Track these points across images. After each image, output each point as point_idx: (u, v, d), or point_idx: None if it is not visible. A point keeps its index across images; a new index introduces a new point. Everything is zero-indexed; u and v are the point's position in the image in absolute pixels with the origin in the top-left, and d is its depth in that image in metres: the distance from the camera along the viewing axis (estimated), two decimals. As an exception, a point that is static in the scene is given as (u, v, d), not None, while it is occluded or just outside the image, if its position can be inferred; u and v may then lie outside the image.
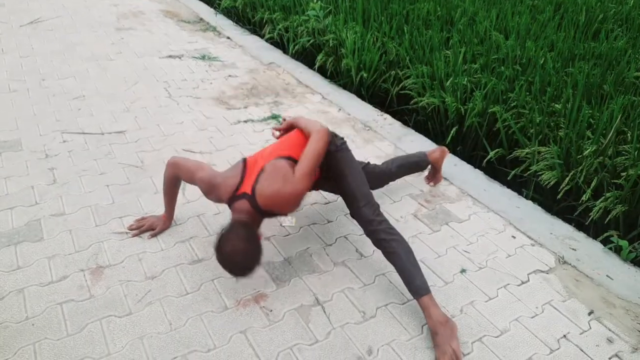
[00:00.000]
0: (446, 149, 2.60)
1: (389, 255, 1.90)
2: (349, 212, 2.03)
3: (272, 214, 1.85)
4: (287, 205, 1.81)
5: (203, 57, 4.30)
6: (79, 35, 4.65)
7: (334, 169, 2.05)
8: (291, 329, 1.80)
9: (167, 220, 2.24)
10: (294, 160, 1.87)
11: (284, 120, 2.13)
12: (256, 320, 1.83)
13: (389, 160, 2.47)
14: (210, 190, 1.90)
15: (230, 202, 1.84)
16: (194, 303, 1.88)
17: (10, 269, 1.98)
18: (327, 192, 2.57)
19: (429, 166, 2.60)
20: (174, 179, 2.10)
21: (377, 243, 1.94)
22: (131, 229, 2.21)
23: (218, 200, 1.90)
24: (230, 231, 1.70)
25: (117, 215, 2.31)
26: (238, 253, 1.66)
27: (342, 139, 2.12)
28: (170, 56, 4.29)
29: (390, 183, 2.50)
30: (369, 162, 2.34)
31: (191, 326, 1.78)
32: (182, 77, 3.89)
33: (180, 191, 2.21)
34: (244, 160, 1.91)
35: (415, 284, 1.82)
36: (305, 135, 1.97)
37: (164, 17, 5.41)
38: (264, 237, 2.24)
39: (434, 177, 2.64)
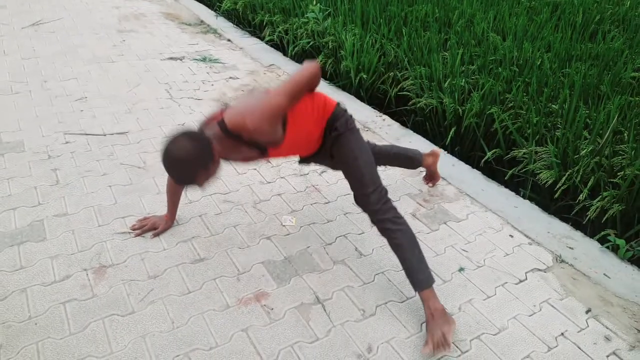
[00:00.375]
0: (438, 152, 2.60)
1: (393, 245, 1.87)
2: (350, 209, 2.03)
3: (242, 139, 1.67)
4: (254, 122, 1.59)
5: (204, 59, 4.33)
6: (81, 38, 4.68)
7: (343, 150, 1.91)
8: (292, 327, 1.82)
9: (170, 220, 2.26)
10: None
11: None
12: (257, 318, 1.85)
13: (388, 145, 2.44)
14: None
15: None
16: (196, 302, 1.90)
17: (14, 269, 2.00)
18: (327, 192, 2.60)
19: (424, 168, 2.62)
20: None
21: (383, 232, 1.88)
22: (134, 229, 2.23)
23: None
24: (186, 133, 1.59)
25: (120, 215, 2.33)
26: (182, 156, 1.55)
27: (351, 115, 1.97)
28: (171, 58, 4.32)
29: (389, 182, 2.52)
30: (368, 141, 2.25)
31: (193, 324, 1.81)
32: (184, 78, 3.92)
33: (182, 192, 2.23)
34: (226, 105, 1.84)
35: (418, 277, 1.82)
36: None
37: (165, 19, 5.44)
38: (265, 236, 2.26)
39: (432, 178, 2.67)
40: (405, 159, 2.48)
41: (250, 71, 4.17)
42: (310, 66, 1.71)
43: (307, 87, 1.72)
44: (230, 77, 4.01)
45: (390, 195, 2.54)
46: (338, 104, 1.95)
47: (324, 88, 3.92)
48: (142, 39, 4.75)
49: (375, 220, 1.89)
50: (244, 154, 1.77)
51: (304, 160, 2.11)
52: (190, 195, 2.49)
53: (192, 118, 3.30)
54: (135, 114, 3.30)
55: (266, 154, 1.80)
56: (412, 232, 1.88)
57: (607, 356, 1.78)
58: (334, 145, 1.92)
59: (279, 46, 4.87)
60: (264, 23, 5.08)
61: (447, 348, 1.70)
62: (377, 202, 1.86)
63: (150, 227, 2.23)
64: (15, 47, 4.33)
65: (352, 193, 1.95)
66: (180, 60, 4.30)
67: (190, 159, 1.57)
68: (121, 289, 1.94)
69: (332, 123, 1.89)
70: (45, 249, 2.10)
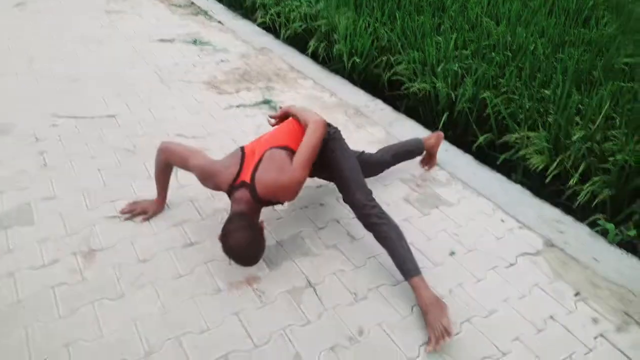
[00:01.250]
0: (442, 134, 2.64)
1: (381, 239, 1.94)
2: (341, 197, 2.06)
3: (270, 202, 1.91)
4: (285, 194, 1.86)
5: (194, 42, 4.26)
6: (68, 18, 4.58)
7: (328, 157, 2.06)
8: (283, 310, 1.82)
9: (160, 204, 2.24)
10: (291, 151, 1.92)
11: (280, 108, 2.16)
12: (249, 302, 1.85)
13: (384, 149, 2.50)
14: (208, 178, 1.93)
15: (230, 191, 1.87)
16: (187, 286, 1.89)
17: (1, 253, 1.97)
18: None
19: (424, 152, 2.63)
20: (166, 166, 2.10)
21: (369, 227, 1.97)
22: (123, 213, 2.21)
23: (216, 188, 1.93)
24: (232, 224, 1.75)
25: (109, 199, 2.30)
26: (242, 245, 1.72)
27: (335, 127, 2.15)
28: (161, 40, 4.25)
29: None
30: (363, 152, 2.36)
31: (184, 308, 1.80)
32: (174, 61, 3.85)
33: (172, 175, 2.21)
34: (242, 149, 1.95)
35: (406, 266, 1.86)
36: (301, 124, 2.01)
37: (154, 0, 5.33)
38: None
39: (429, 161, 2.67)
40: (407, 153, 2.55)
41: (241, 54, 4.11)
42: (318, 126, 1.92)
43: (319, 147, 1.92)
44: (221, 60, 3.95)
45: (382, 180, 2.58)
46: None
47: (317, 72, 3.88)
48: (130, 20, 4.66)
49: (361, 215, 1.99)
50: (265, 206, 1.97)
51: None
52: (181, 179, 2.46)
53: (182, 101, 3.26)
54: (124, 97, 3.25)
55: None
56: (396, 225, 1.95)
57: (595, 338, 1.80)
58: (321, 155, 2.02)
59: (271, 29, 4.80)
60: (256, 5, 4.99)
61: (449, 337, 1.71)
62: (363, 199, 1.98)
63: (140, 211, 2.21)
64: (1, 27, 4.23)
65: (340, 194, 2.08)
66: (170, 42, 4.23)
67: (252, 247, 1.76)
68: (111, 273, 1.92)
69: None
70: (34, 233, 2.08)
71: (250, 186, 1.82)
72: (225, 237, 1.74)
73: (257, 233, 1.78)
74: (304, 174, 1.84)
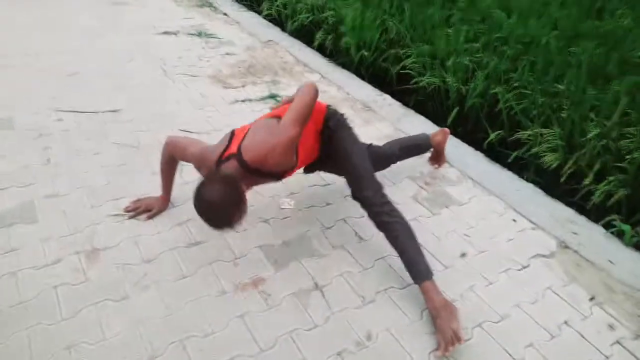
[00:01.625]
0: (448, 130, 2.56)
1: (392, 238, 1.87)
2: (350, 193, 1.99)
3: (261, 172, 1.73)
4: (274, 158, 1.68)
5: (199, 34, 4.20)
6: (72, 10, 4.53)
7: (336, 147, 1.97)
8: (290, 313, 1.78)
9: (165, 201, 2.20)
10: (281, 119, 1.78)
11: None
12: (254, 304, 1.80)
13: (391, 142, 2.43)
14: (201, 163, 1.82)
15: (218, 167, 1.74)
16: (191, 287, 1.85)
17: (3, 252, 1.93)
18: (326, 174, 2.52)
19: (432, 148, 2.56)
20: (171, 159, 2.05)
21: (380, 225, 1.89)
22: (127, 211, 2.17)
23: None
24: (212, 178, 1.59)
25: (113, 196, 2.26)
26: (215, 199, 1.54)
27: (343, 114, 2.04)
28: (165, 32, 4.19)
29: (392, 165, 2.46)
30: (371, 144, 2.28)
31: (188, 310, 1.76)
32: (178, 54, 3.80)
33: (177, 172, 2.16)
34: (232, 131, 1.85)
35: (417, 269, 1.80)
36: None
37: (159, -9, 5.27)
38: (263, 219, 2.20)
39: (438, 159, 2.60)
40: (414, 148, 2.47)
41: (247, 47, 4.05)
42: (310, 88, 1.78)
43: (311, 109, 1.77)
44: (227, 53, 3.89)
45: (391, 178, 2.52)
46: (328, 106, 2.02)
47: (324, 66, 3.82)
48: (135, 13, 4.61)
49: (372, 214, 1.91)
50: (260, 183, 1.85)
51: (308, 170, 2.16)
52: (185, 176, 2.42)
53: (186, 95, 3.21)
54: (128, 91, 3.20)
55: (280, 179, 1.88)
56: (408, 224, 1.88)
57: (611, 345, 1.75)
58: (328, 144, 1.96)
59: (277, 21, 4.73)
60: (262, -4, 4.93)
61: (460, 342, 1.65)
62: (373, 197, 1.89)
63: (144, 209, 2.17)
64: (1, 19, 4.19)
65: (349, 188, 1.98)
66: (175, 34, 4.17)
67: (226, 207, 1.56)
68: (114, 273, 1.88)
69: (325, 125, 1.96)
70: (36, 231, 2.04)
71: (238, 155, 1.68)
72: (198, 191, 1.56)
73: (236, 191, 1.57)
74: (292, 132, 1.67)
